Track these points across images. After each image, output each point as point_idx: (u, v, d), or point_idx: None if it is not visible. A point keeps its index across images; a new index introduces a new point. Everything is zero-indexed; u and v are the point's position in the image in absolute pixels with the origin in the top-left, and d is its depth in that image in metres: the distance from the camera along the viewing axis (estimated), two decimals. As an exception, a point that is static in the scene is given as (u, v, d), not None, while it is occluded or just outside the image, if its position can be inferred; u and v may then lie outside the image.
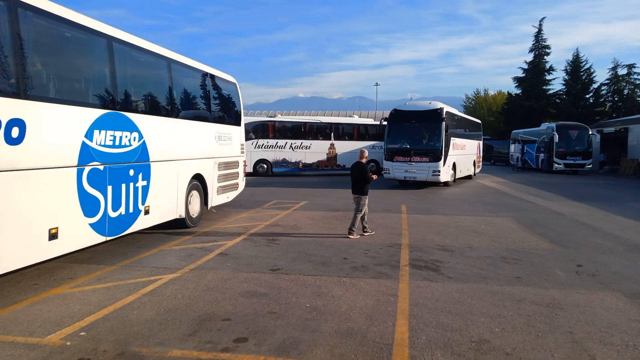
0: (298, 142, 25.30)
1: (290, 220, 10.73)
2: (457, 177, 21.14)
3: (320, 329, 4.55)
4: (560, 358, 4.00)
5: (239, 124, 11.99)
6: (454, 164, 20.18)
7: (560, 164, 29.46)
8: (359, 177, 8.93)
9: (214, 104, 10.93)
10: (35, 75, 5.63)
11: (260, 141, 24.73)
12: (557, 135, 29.44)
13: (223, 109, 11.46)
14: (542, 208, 13.57)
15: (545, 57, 47.44)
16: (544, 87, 47.19)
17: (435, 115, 18.44)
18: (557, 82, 48.35)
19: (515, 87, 49.53)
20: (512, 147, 38.81)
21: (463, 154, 22.22)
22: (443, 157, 18.20)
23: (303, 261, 7.11)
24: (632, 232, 9.91)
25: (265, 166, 25.01)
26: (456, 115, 21.99)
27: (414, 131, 19.02)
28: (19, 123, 5.17)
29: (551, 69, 47.22)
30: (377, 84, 72.68)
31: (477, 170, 26.62)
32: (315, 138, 25.95)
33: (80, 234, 6.24)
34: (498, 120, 54.41)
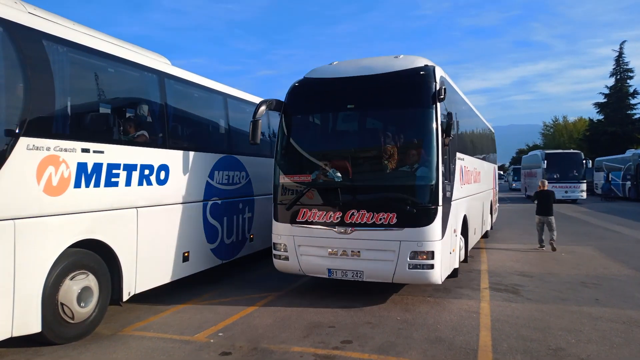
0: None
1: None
2: (470, 247, 9.30)
3: (412, 336, 5.34)
4: (632, 365, 4.50)
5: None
6: (465, 220, 8.33)
7: (649, 192, 27.93)
8: (551, 201, 11.35)
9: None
10: (174, 128, 7.11)
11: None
12: (644, 162, 28.07)
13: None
14: (627, 237, 13.34)
15: (628, 80, 45.39)
16: (629, 112, 44.88)
17: (413, 84, 6.54)
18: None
19: (597, 112, 47.53)
20: (596, 175, 37.11)
21: (478, 193, 10.53)
22: (442, 207, 6.27)
23: (389, 283, 7.89)
24: None
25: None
26: (462, 97, 9.65)
27: (356, 137, 7.37)
28: (165, 168, 6.58)
29: (635, 92, 44.90)
30: (447, 115, 72.22)
31: (495, 217, 14.90)
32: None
33: (204, 257, 7.53)
34: (580, 148, 52.10)
